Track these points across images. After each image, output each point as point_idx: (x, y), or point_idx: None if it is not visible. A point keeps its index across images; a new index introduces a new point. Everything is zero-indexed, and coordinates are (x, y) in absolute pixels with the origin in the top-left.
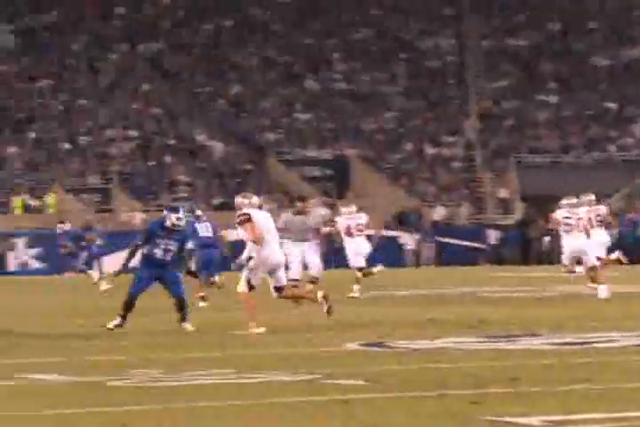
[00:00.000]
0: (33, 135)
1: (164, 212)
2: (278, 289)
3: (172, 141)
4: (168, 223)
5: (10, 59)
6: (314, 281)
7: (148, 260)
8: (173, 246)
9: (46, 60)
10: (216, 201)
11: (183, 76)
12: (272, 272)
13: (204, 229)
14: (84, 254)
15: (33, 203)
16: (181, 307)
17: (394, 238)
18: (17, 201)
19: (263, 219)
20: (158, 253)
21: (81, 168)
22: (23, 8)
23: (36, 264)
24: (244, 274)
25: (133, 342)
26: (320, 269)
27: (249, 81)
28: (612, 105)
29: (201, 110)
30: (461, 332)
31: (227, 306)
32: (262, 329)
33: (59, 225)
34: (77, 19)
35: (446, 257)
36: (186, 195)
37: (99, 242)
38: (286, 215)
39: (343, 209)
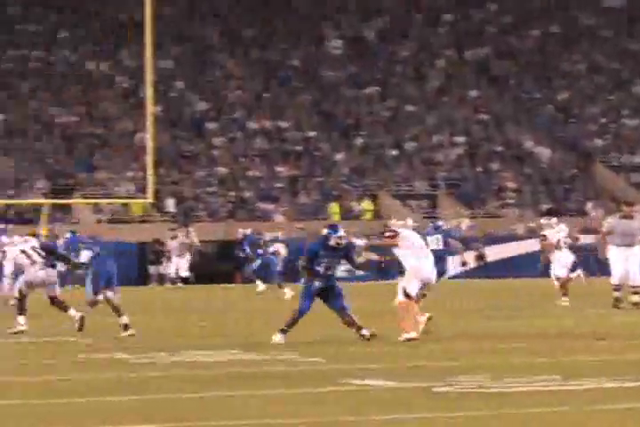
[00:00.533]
0: (360, 141)
1: (325, 231)
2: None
3: (500, 148)
4: (332, 242)
5: (338, 66)
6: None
7: (313, 276)
8: (336, 263)
9: (374, 67)
10: (543, 207)
11: (510, 81)
12: (422, 285)
13: (434, 242)
14: None
15: (359, 208)
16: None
17: None
18: (334, 207)
19: (414, 237)
20: (321, 270)
21: (407, 174)
22: (352, 15)
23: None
24: (400, 284)
25: (459, 347)
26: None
27: (576, 87)
28: None
29: (528, 116)
30: None
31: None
32: (414, 334)
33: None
34: (405, 25)
35: None
36: (512, 201)
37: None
38: (612, 219)
39: None
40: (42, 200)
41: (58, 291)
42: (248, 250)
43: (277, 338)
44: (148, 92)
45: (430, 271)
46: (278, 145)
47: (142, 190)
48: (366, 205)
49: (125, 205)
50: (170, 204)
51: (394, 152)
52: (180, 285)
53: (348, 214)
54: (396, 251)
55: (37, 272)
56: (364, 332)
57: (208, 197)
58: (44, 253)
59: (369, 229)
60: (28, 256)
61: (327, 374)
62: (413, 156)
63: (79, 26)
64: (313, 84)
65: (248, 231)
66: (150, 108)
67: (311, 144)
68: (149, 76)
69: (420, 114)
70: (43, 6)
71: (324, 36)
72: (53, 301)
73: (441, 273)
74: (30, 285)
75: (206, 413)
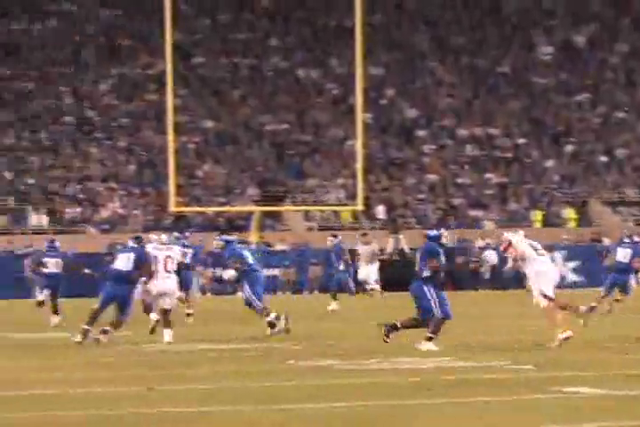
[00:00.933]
0: (570, 148)
1: (441, 231)
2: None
3: None
4: (443, 240)
5: (548, 72)
6: None
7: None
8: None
9: (584, 74)
10: None
11: None
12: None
13: (622, 255)
14: None
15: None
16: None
17: None
18: (537, 214)
19: (525, 245)
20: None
21: (618, 181)
22: (562, 22)
23: (574, 277)
24: (535, 289)
25: None
26: None
27: None
28: None
29: None
30: None
31: None
32: (569, 333)
33: None
34: (615, 31)
35: None
36: None
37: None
38: None
39: None
40: (253, 207)
41: (171, 303)
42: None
43: (427, 346)
44: (359, 99)
45: (555, 272)
46: (488, 152)
47: (352, 197)
48: (570, 213)
49: (336, 212)
50: (380, 211)
51: (604, 159)
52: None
53: (552, 222)
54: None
55: (160, 281)
56: None
57: (417, 204)
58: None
59: (574, 237)
60: (164, 264)
61: (538, 382)
62: (624, 162)
63: (290, 33)
64: (523, 90)
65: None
66: (360, 115)
67: (521, 151)
68: (359, 84)
69: (630, 121)
70: (253, 14)
71: (535, 42)
72: (164, 311)
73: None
74: (149, 293)
75: (413, 420)
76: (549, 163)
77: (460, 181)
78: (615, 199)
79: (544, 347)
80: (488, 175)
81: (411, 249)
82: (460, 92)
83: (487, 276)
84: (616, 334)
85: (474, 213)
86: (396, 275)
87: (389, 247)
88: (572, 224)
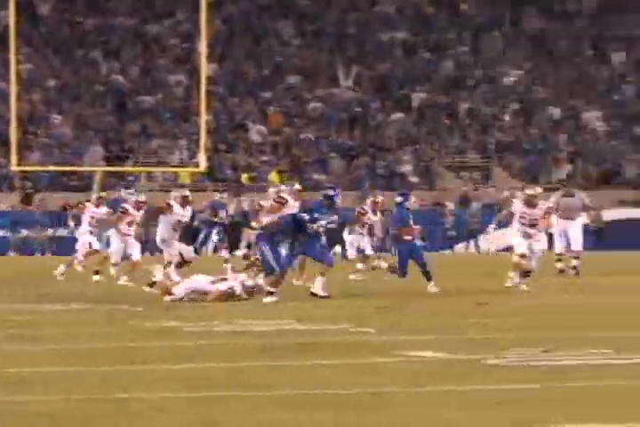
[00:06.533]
0: (415, 108)
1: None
2: None
3: None
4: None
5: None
6: None
7: None
8: None
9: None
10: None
11: None
12: None
13: None
14: None
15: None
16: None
17: None
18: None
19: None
20: None
21: (460, 145)
22: None
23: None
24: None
25: (513, 321)
26: None
27: None
28: None
29: None
30: None
31: None
32: None
33: None
34: None
35: None
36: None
37: None
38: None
39: None
40: (95, 168)
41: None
42: None
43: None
44: (203, 58)
45: None
46: (332, 113)
47: (194, 158)
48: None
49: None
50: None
51: (447, 122)
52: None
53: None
54: None
55: None
56: None
57: (261, 166)
58: None
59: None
60: None
61: (380, 346)
62: (466, 127)
63: None
64: (367, 49)
65: None
66: (204, 75)
67: (368, 112)
68: (203, 42)
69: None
70: None
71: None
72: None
73: None
74: None
75: (252, 382)
76: (393, 124)
77: (303, 140)
78: (457, 164)
79: (386, 310)
80: (334, 135)
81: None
82: (306, 52)
83: None
84: (458, 300)
85: (317, 176)
86: (239, 237)
87: (232, 209)
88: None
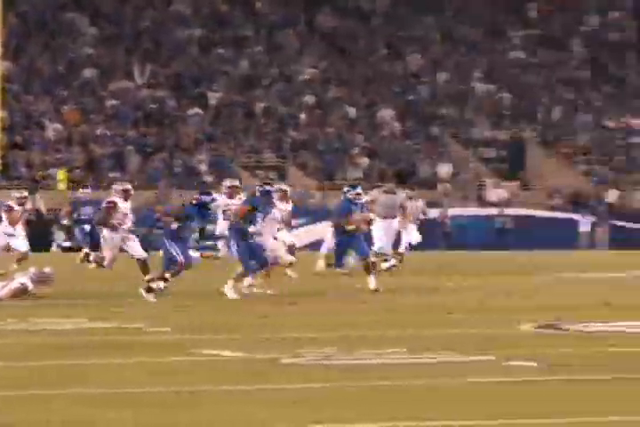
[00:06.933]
0: (214, 105)
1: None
2: None
3: None
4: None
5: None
6: None
7: None
8: None
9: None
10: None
11: None
12: None
13: None
14: None
15: None
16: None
17: (568, 221)
18: (59, 174)
19: None
20: None
21: (256, 145)
22: None
23: None
24: None
25: (308, 320)
26: None
27: None
28: None
29: None
30: (637, 316)
31: None
32: None
33: None
34: None
35: (620, 240)
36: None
37: None
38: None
39: None
40: None
41: None
42: None
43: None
44: None
45: None
46: (128, 108)
47: None
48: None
49: None
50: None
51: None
52: None
53: None
54: None
55: None
56: None
57: (55, 163)
58: None
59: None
60: None
61: (175, 345)
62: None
63: None
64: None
65: None
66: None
67: (164, 108)
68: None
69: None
70: None
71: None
72: None
73: None
74: None
75: (57, 380)
76: (190, 122)
77: (99, 136)
78: (253, 163)
79: (185, 309)
80: (130, 132)
81: (49, 210)
82: (102, 49)
83: None
84: (258, 300)
85: (112, 173)
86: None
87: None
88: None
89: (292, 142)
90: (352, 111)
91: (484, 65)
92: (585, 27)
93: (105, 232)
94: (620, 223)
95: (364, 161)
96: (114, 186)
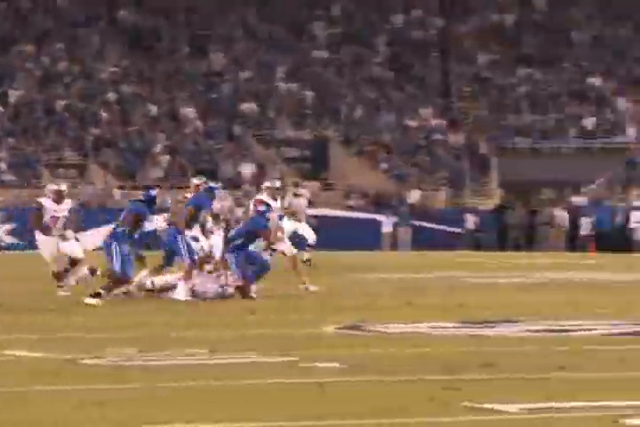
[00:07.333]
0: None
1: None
2: None
3: None
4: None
5: None
6: None
7: None
8: None
9: None
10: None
11: None
12: None
13: None
14: None
15: None
16: None
17: (371, 221)
18: None
19: None
20: None
21: (57, 143)
22: None
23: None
24: None
25: (109, 320)
26: None
27: None
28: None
29: None
30: (439, 317)
31: None
32: None
33: None
34: None
35: (423, 241)
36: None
37: None
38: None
39: None
40: None
41: None
42: None
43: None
44: None
45: None
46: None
47: None
48: None
49: None
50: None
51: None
52: None
53: None
54: None
55: None
56: None
57: None
58: None
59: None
60: None
61: None
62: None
63: None
64: None
65: None
66: None
67: None
68: None
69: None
70: None
71: None
72: None
73: None
74: None
75: None
76: None
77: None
78: (54, 161)
79: None
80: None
81: None
82: None
83: None
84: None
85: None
86: None
87: None
88: None
89: (93, 140)
90: (154, 109)
91: (287, 63)
92: (389, 25)
93: (37, 235)
94: (422, 224)
95: (166, 159)
96: (47, 186)
